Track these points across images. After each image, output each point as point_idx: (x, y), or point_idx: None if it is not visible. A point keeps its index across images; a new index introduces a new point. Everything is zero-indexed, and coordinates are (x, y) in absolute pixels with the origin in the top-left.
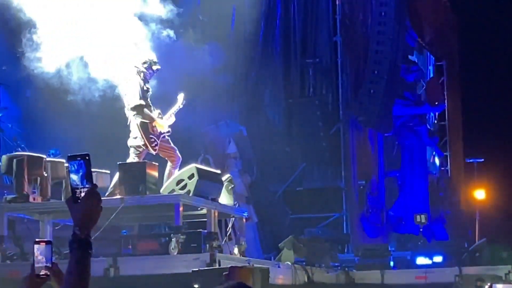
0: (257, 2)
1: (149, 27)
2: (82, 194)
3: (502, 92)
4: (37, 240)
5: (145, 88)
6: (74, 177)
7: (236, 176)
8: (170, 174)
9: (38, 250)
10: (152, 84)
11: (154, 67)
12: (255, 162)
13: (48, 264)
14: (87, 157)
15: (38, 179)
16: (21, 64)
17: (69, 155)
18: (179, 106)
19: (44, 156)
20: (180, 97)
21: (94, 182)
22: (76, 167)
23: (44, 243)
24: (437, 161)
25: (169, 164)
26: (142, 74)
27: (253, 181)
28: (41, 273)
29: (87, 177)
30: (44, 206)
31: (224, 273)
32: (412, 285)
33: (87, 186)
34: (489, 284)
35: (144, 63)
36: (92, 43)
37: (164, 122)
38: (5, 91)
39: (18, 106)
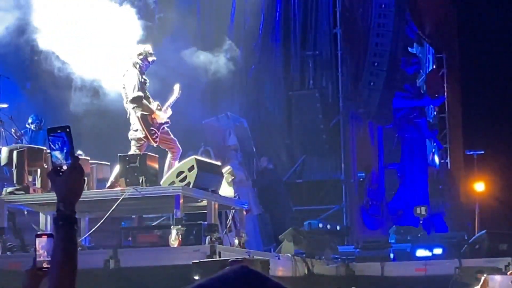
0: None
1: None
2: (65, 167)
3: (501, 84)
4: (38, 233)
5: (142, 80)
6: (57, 154)
7: (236, 168)
8: (170, 165)
9: (40, 244)
10: (153, 78)
11: (150, 59)
12: (255, 155)
13: (49, 258)
14: (67, 129)
15: (39, 170)
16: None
17: (48, 127)
18: (176, 97)
19: (44, 148)
20: (176, 87)
21: (95, 173)
22: (60, 144)
23: (45, 237)
24: (436, 154)
25: (169, 155)
26: (138, 66)
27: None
28: (42, 267)
29: (71, 153)
30: (45, 197)
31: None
32: (412, 277)
33: (69, 162)
34: (485, 275)
35: (140, 54)
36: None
37: (163, 114)
38: (6, 82)
39: (19, 98)
